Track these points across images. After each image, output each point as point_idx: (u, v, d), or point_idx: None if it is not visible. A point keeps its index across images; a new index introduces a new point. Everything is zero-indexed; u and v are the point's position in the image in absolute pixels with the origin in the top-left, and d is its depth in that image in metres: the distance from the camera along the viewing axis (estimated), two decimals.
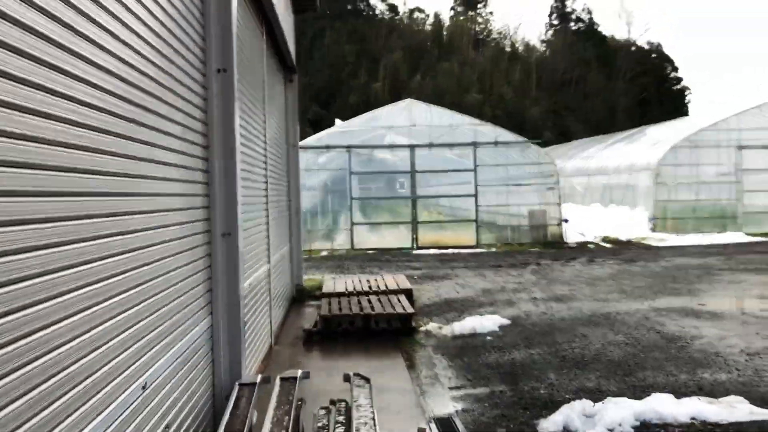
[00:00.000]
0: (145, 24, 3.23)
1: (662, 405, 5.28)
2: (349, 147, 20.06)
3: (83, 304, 2.38)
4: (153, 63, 3.34)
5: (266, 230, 7.81)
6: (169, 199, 3.64)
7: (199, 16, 4.46)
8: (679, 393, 5.69)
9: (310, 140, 20.79)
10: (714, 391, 5.76)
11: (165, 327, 3.35)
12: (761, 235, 21.03)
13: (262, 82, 7.77)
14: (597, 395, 5.70)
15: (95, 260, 2.52)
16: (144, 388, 2.89)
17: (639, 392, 5.77)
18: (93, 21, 2.56)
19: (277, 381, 4.46)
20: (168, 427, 3.22)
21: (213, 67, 4.62)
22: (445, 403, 5.81)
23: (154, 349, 3.13)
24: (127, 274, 2.85)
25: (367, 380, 4.60)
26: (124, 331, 2.74)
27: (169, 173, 3.65)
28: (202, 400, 4.16)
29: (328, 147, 20.08)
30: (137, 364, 2.87)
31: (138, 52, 3.11)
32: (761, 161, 22.15)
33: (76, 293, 2.33)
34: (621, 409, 5.20)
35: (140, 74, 3.14)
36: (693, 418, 5.12)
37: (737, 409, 5.24)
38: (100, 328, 2.51)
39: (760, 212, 22.08)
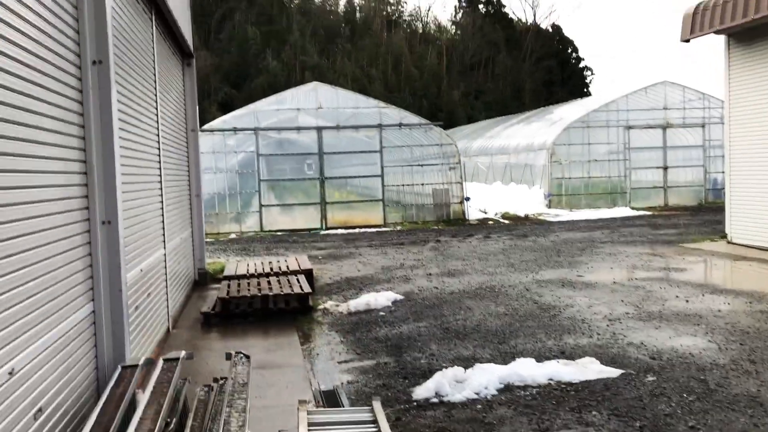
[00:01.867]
0: (15, 13, 3.35)
1: (524, 368, 5.86)
2: (256, 129, 20.04)
3: None
4: (23, 62, 3.45)
5: (161, 216, 7.88)
6: (44, 191, 3.77)
7: (72, 10, 4.53)
8: (543, 357, 6.31)
9: (216, 122, 20.62)
10: (573, 354, 6.41)
11: (36, 314, 3.51)
12: (645, 209, 22.74)
13: (153, 67, 7.79)
14: (470, 362, 6.22)
15: None
16: (11, 373, 3.06)
17: (508, 358, 6.33)
18: None
19: (160, 362, 4.67)
20: (41, 410, 3.40)
21: (88, 59, 4.71)
22: (333, 377, 6.18)
23: (23, 336, 3.29)
24: None
25: (248, 357, 4.88)
26: None
27: (44, 166, 3.77)
28: (84, 383, 4.33)
29: (235, 129, 19.99)
30: (4, 350, 3.04)
31: (9, 44, 3.22)
32: (646, 140, 23.81)
33: None
34: (487, 374, 5.74)
35: (9, 73, 3.25)
36: (550, 379, 5.71)
37: (588, 369, 5.88)
38: None
39: (645, 188, 23.84)
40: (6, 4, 3.31)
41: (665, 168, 23.96)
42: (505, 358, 6.34)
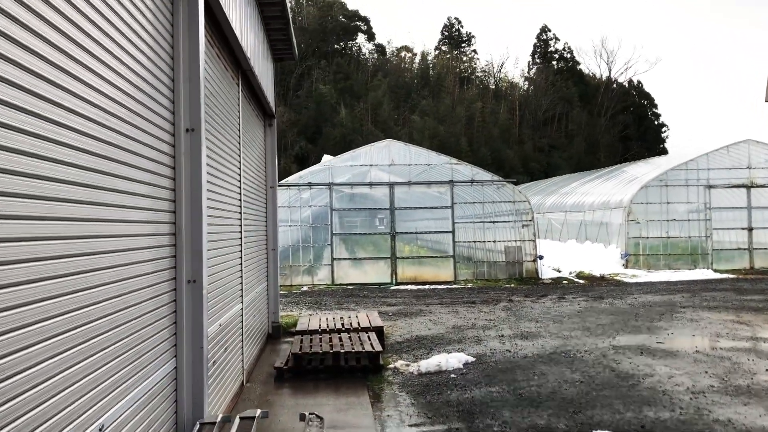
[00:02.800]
0: (117, 88, 3.65)
1: None
2: (330, 184, 20.53)
3: (46, 354, 2.74)
4: (121, 132, 3.74)
5: (240, 271, 8.16)
6: (136, 253, 4.01)
7: (169, 82, 4.88)
8: (621, 430, 6.05)
9: (292, 178, 21.24)
10: (654, 429, 6.12)
11: (126, 371, 3.69)
12: (728, 271, 21.66)
13: (238, 129, 8.20)
14: None
15: (60, 314, 2.88)
16: (101, 430, 3.22)
17: (586, 429, 6.12)
18: (62, 88, 2.96)
19: (236, 420, 4.78)
20: None
21: (182, 127, 5.03)
22: None
23: (113, 393, 3.46)
24: (90, 325, 3.21)
25: (321, 419, 4.92)
26: (84, 377, 3.09)
27: (136, 229, 4.02)
28: None
29: (310, 185, 20.54)
30: (96, 407, 3.20)
31: (111, 116, 3.51)
32: (728, 200, 22.89)
33: (40, 345, 2.68)
34: None
35: (110, 145, 3.53)
36: None
37: None
38: (61, 375, 2.85)
39: (728, 249, 22.76)
40: (111, 81, 3.61)
41: (750, 229, 22.89)
42: (581, 429, 6.13)
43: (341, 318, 11.35)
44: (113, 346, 3.52)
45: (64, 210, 2.97)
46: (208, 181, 5.70)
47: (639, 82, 77.68)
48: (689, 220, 22.77)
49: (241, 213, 8.28)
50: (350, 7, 74.34)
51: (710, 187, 22.84)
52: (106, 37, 3.50)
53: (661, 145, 71.83)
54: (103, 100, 3.46)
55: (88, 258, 3.23)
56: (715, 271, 21.72)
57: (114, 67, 3.63)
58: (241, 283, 8.23)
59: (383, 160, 20.83)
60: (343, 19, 72.96)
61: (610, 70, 79.10)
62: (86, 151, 3.22)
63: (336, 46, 70.53)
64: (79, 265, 3.11)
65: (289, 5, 10.19)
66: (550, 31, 79.51)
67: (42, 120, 2.75)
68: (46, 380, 2.72)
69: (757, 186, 23.06)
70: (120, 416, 3.54)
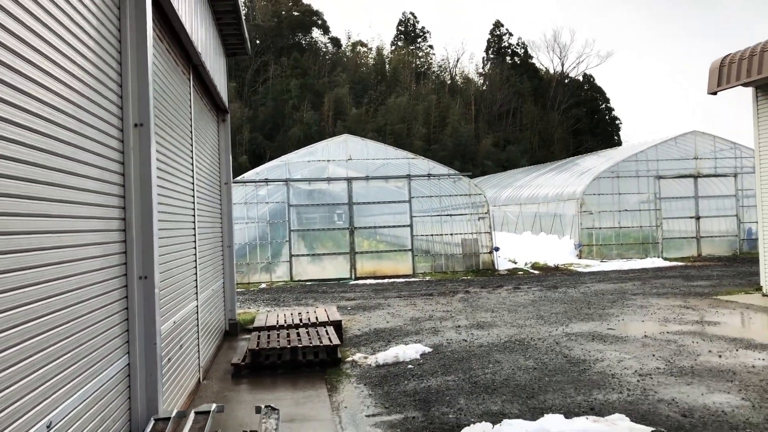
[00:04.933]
0: (61, 81, 3.60)
1: (553, 425, 5.79)
2: (287, 180, 20.45)
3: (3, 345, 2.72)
4: (65, 126, 3.70)
5: (194, 268, 8.10)
6: (84, 249, 3.97)
7: (116, 76, 4.82)
8: (572, 413, 6.24)
9: (248, 174, 21.09)
10: (603, 410, 6.33)
11: (75, 368, 3.66)
12: (678, 259, 22.39)
13: (190, 124, 8.12)
14: (499, 418, 6.19)
15: (3, 311, 2.85)
16: (48, 427, 3.19)
17: (537, 414, 6.28)
18: (2, 82, 2.92)
19: (192, 414, 4.78)
20: None
21: (130, 121, 4.98)
22: (362, 430, 6.19)
23: (62, 389, 3.44)
24: (36, 321, 3.18)
25: (276, 410, 4.96)
26: (31, 374, 3.06)
27: (85, 225, 3.98)
28: None
29: (267, 181, 20.41)
30: (43, 404, 3.18)
31: (56, 111, 3.47)
32: (676, 190, 23.63)
33: None
34: (516, 430, 5.70)
35: (55, 139, 3.49)
36: None
37: (618, 426, 5.79)
38: (4, 372, 2.83)
39: (677, 238, 23.52)
40: (54, 75, 3.57)
41: (697, 218, 23.67)
42: (533, 414, 6.29)
43: (299, 314, 11.36)
44: (61, 343, 3.49)
45: (4, 204, 2.93)
46: (158, 177, 5.65)
47: (591, 76, 79.27)
48: (640, 210, 23.43)
49: (194, 209, 8.21)
50: (305, 1, 73.89)
51: (660, 177, 23.53)
52: (47, 30, 3.46)
53: (615, 137, 73.49)
54: (47, 94, 3.42)
55: (33, 254, 3.20)
56: (665, 259, 22.41)
57: (57, 61, 3.59)
58: (196, 280, 8.17)
59: (341, 156, 20.84)
60: (296, 14, 72.50)
61: (562, 65, 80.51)
62: (28, 145, 3.17)
63: (291, 41, 70.05)
64: (22, 261, 3.08)
65: (241, 0, 10.13)
66: (503, 26, 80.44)
67: None
68: None
69: (703, 176, 23.85)
70: (70, 412, 3.51)
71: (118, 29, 4.87)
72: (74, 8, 3.89)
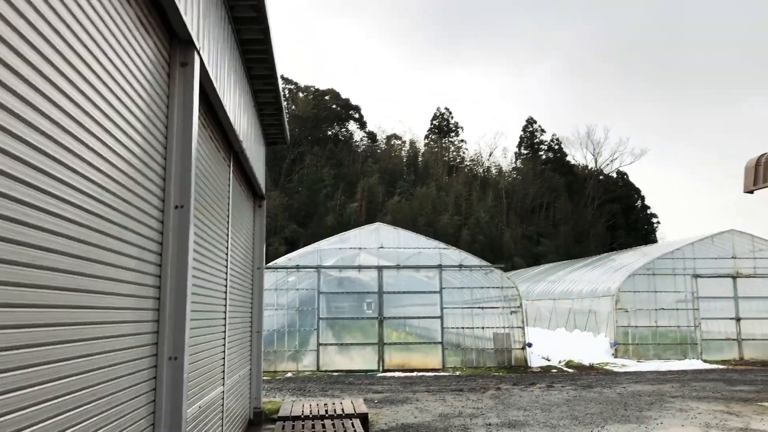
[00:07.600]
0: (111, 164, 3.75)
1: None
2: (318, 267, 20.53)
3: (23, 423, 2.70)
4: (111, 206, 3.82)
5: (223, 352, 8.05)
6: (117, 327, 3.99)
7: (161, 160, 5.01)
8: None
9: (281, 260, 21.24)
10: None
11: None
12: (718, 362, 21.49)
13: (227, 209, 8.31)
14: None
15: (33, 385, 2.85)
16: None
17: None
18: (58, 161, 3.05)
19: None
20: None
21: (171, 203, 5.12)
22: None
23: None
24: (66, 397, 3.17)
25: None
26: None
27: (121, 303, 4.03)
28: None
29: (298, 267, 20.52)
30: None
31: (103, 190, 3.59)
32: (715, 289, 23.01)
33: (15, 414, 2.65)
34: None
35: (100, 218, 3.60)
36: None
37: None
38: None
39: (717, 339, 22.67)
40: (105, 157, 3.73)
41: (738, 319, 22.90)
42: None
43: (325, 404, 11.11)
44: (89, 421, 3.46)
45: (62, 280, 3.04)
46: (194, 258, 5.74)
47: (625, 173, 79.50)
48: (677, 309, 22.79)
49: (226, 292, 8.26)
50: (343, 96, 76.69)
51: (697, 276, 23.02)
52: (103, 115, 3.64)
53: (652, 235, 72.73)
54: (97, 174, 3.56)
55: (72, 328, 3.24)
56: (705, 361, 21.55)
57: (109, 144, 3.75)
58: (224, 364, 8.11)
59: (372, 244, 20.94)
60: (335, 107, 75.13)
61: (596, 161, 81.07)
62: (83, 225, 3.30)
63: (329, 132, 72.30)
64: (62, 335, 3.12)
65: (283, 93, 10.57)
66: (536, 122, 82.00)
67: (35, 190, 2.83)
68: None
69: (743, 276, 23.26)
70: None
71: (166, 116, 5.10)
72: (128, 95, 4.10)
